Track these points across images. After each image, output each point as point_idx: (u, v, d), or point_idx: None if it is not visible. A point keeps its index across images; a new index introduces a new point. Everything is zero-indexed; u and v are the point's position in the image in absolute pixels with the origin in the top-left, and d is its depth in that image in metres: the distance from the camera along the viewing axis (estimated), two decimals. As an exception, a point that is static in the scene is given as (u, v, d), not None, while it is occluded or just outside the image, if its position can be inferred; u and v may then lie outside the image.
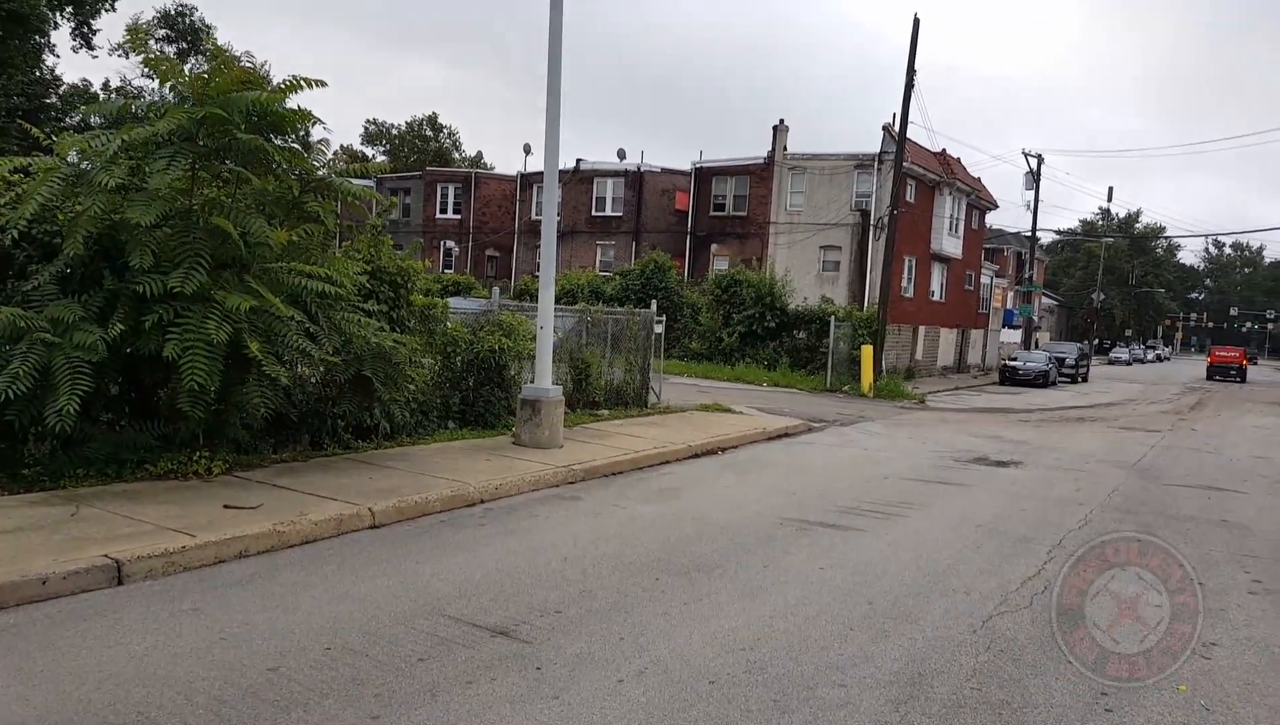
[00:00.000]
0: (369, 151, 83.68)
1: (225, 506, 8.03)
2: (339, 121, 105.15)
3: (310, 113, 9.79)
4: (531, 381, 13.12)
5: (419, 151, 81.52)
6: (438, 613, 6.15)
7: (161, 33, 47.30)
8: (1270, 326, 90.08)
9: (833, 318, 31.07)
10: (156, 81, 9.78)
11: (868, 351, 28.88)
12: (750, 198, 40.37)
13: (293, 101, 9.54)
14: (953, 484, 12.74)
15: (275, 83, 9.59)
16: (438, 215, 51.49)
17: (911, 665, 5.70)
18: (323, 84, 9.58)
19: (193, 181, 9.09)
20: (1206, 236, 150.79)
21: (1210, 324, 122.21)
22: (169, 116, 8.68)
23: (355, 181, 10.37)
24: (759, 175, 39.93)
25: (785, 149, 39.10)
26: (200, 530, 7.23)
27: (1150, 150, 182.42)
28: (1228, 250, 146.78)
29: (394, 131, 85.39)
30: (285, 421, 10.60)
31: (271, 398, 9.17)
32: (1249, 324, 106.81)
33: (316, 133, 10.55)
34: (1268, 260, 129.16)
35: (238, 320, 8.49)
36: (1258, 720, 5.26)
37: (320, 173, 10.31)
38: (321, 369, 10.61)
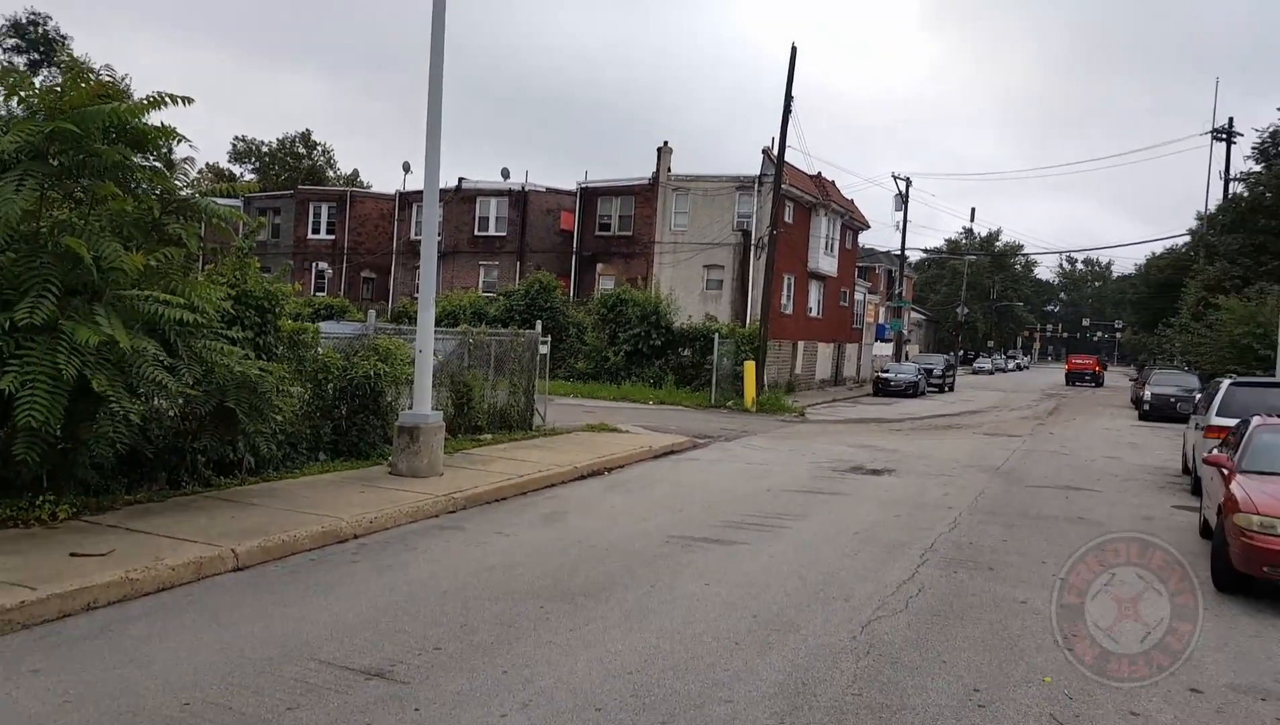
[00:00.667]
0: (237, 170, 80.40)
1: (72, 554, 7.45)
2: (206, 138, 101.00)
3: (174, 129, 9.32)
4: (410, 407, 12.76)
5: (290, 170, 78.80)
6: (308, 657, 5.84)
7: (11, 42, 44.41)
8: (1119, 335, 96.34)
9: (717, 335, 31.53)
10: (2, 95, 9.11)
11: (750, 367, 29.41)
12: (635, 218, 40.66)
13: (156, 117, 9.06)
14: (832, 493, 13.03)
15: (137, 97, 9.10)
16: (310, 236, 49.85)
17: (795, 675, 5.75)
18: (189, 100, 9.17)
19: (41, 202, 8.49)
20: (1060, 253, 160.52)
21: (1065, 334, 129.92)
22: (14, 132, 8.08)
23: (221, 201, 9.92)
24: (644, 196, 40.28)
25: (669, 170, 39.60)
26: (42, 582, 6.66)
27: (1007, 174, 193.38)
28: (1080, 266, 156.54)
29: (264, 149, 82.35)
30: (140, 459, 9.97)
31: (124, 434, 8.61)
32: (1100, 333, 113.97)
33: (181, 151, 10.03)
34: (1115, 274, 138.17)
35: (87, 352, 7.94)
36: (1114, 704, 5.53)
37: (184, 192, 9.81)
38: (181, 401, 10.03)
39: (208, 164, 76.16)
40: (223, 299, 10.19)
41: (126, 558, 7.45)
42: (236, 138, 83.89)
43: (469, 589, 7.50)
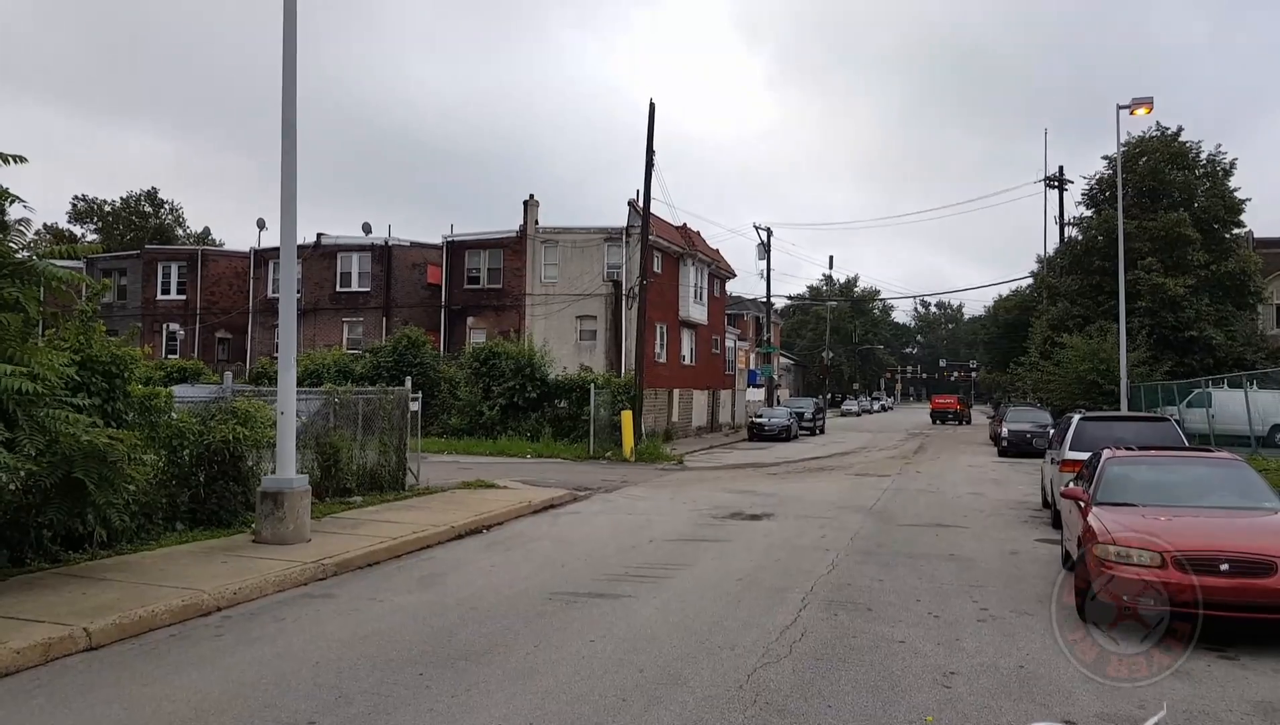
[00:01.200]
0: (78, 230, 76.08)
1: (-108, 647, 6.75)
2: (44, 199, 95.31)
3: (6, 189, 8.88)
4: (273, 472, 12.19)
5: (136, 229, 75.10)
6: (168, 743, 5.43)
7: None
8: (974, 375, 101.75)
9: (593, 385, 31.55)
10: None
11: (628, 417, 29.52)
12: (505, 270, 40.50)
13: (-14, 177, 8.52)
14: (713, 540, 13.13)
15: (-37, 156, 8.51)
16: (159, 296, 47.46)
17: (684, 731, 5.69)
18: (21, 159, 8.75)
19: None
20: (915, 297, 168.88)
21: (924, 375, 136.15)
22: None
23: (61, 263, 9.36)
24: (512, 248, 40.22)
25: (537, 222, 39.73)
26: None
27: (861, 223, 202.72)
28: (934, 309, 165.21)
29: (107, 208, 78.32)
30: (-25, 537, 9.16)
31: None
32: (956, 373, 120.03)
33: (15, 211, 9.46)
34: (967, 316, 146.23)
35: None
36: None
37: (20, 255, 9.22)
38: (22, 473, 9.29)
39: (45, 225, 71.92)
40: (66, 365, 9.57)
41: (-41, 646, 6.80)
42: (77, 197, 79.17)
43: (343, 659, 7.14)
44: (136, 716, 5.86)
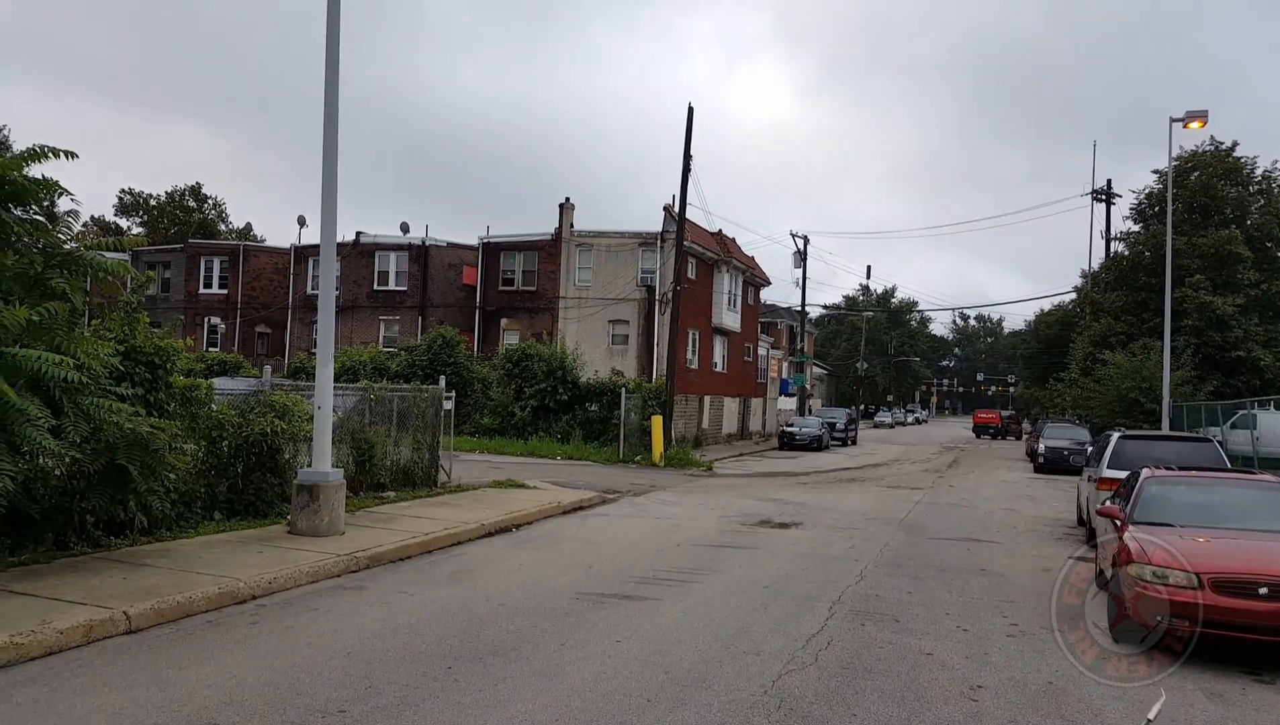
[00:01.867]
0: (124, 223, 77.60)
1: (-56, 622, 6.96)
2: (92, 192, 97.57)
3: (56, 182, 9.12)
4: (309, 465, 12.37)
5: (180, 223, 76.48)
6: (206, 721, 5.55)
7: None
8: (1012, 390, 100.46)
9: (623, 390, 31.62)
10: None
11: (658, 422, 29.55)
12: (539, 273, 40.74)
13: (36, 170, 8.78)
14: (740, 548, 13.12)
15: (17, 150, 8.79)
16: (201, 290, 48.31)
17: (708, 734, 5.71)
18: (73, 155, 9.02)
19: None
20: (953, 310, 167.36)
21: (961, 389, 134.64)
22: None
23: (107, 255, 9.61)
24: (547, 251, 40.45)
25: (572, 226, 39.93)
26: (-92, 653, 6.21)
27: (899, 232, 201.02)
28: (973, 322, 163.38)
29: (152, 202, 79.82)
30: (24, 519, 9.41)
31: (4, 494, 8.11)
32: (994, 388, 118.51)
33: (64, 204, 9.76)
34: (1007, 330, 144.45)
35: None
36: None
37: (68, 246, 9.49)
38: (67, 460, 9.54)
39: (93, 217, 73.55)
40: (111, 355, 9.82)
41: (11, 621, 7.05)
42: (123, 191, 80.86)
43: (374, 650, 7.25)
44: (173, 699, 5.99)
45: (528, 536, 13.72)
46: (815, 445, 42.21)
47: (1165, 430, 25.50)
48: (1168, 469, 11.50)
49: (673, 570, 11.11)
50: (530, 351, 34.44)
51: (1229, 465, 15.38)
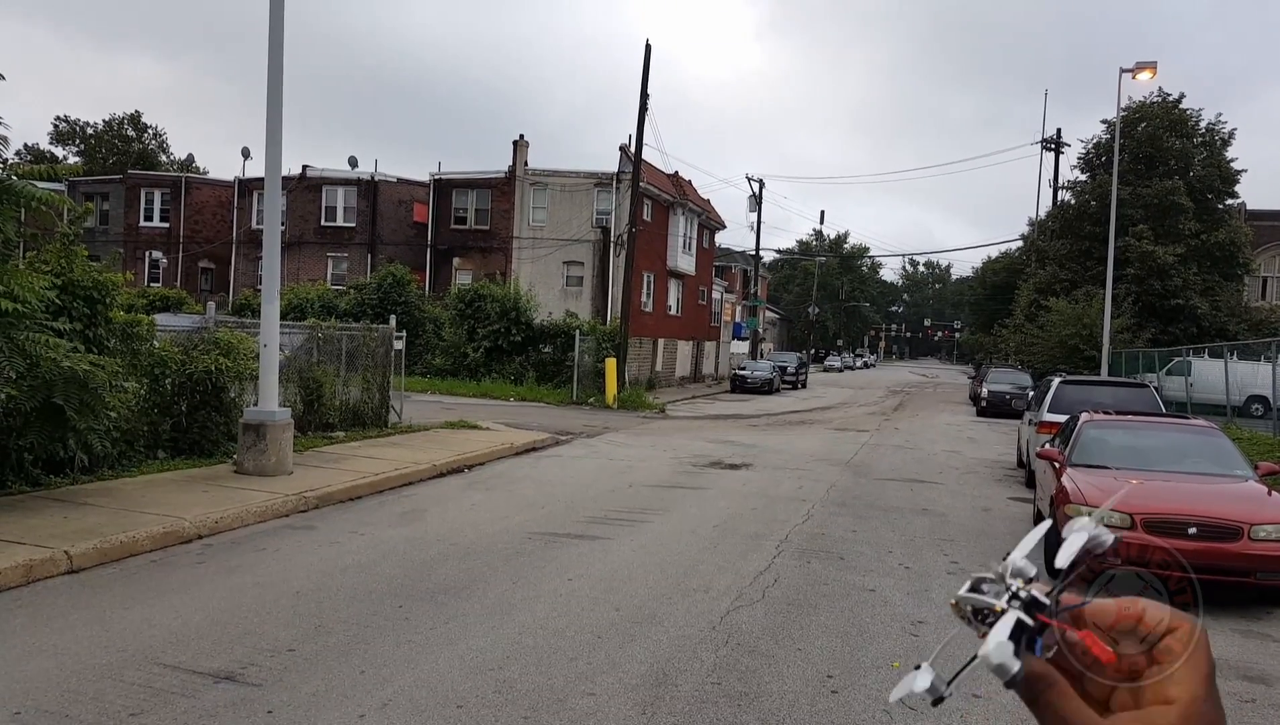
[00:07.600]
0: (60, 152, 74.62)
1: (-128, 562, 6.78)
2: (24, 119, 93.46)
3: (-18, 108, 8.64)
4: (255, 404, 12.19)
5: (120, 153, 73.67)
6: (151, 661, 5.51)
7: None
8: (958, 336, 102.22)
9: (578, 332, 31.53)
10: None
11: (611, 364, 29.58)
12: (493, 212, 40.13)
13: (-42, 91, 8.33)
14: (691, 488, 13.27)
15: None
16: (142, 223, 46.81)
17: (657, 667, 5.83)
18: None
19: None
20: (903, 256, 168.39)
21: (908, 334, 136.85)
22: None
23: (40, 184, 9.24)
24: (501, 189, 39.81)
25: (527, 164, 39.27)
26: None
27: (852, 178, 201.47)
28: (921, 268, 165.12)
29: (90, 131, 76.74)
30: (-45, 458, 9.16)
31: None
32: (940, 333, 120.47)
33: (-7, 130, 9.29)
34: (955, 277, 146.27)
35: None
36: (958, 684, 5.82)
37: (-3, 175, 9.05)
38: (2, 396, 9.27)
39: (25, 145, 70.46)
40: (47, 288, 9.49)
41: (-63, 565, 6.84)
42: (58, 118, 77.49)
43: (323, 590, 7.23)
44: (117, 638, 5.94)
45: (480, 477, 13.73)
46: (766, 388, 42.63)
47: (1104, 376, 26.21)
48: (1105, 413, 11.82)
49: (624, 510, 11.22)
50: (483, 292, 34.08)
51: (1164, 410, 15.87)
